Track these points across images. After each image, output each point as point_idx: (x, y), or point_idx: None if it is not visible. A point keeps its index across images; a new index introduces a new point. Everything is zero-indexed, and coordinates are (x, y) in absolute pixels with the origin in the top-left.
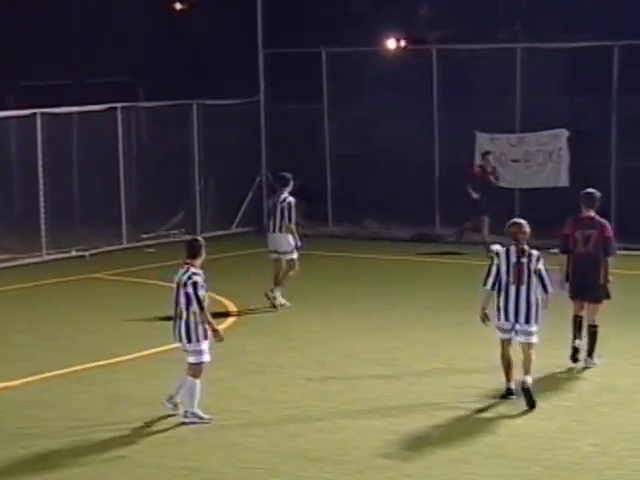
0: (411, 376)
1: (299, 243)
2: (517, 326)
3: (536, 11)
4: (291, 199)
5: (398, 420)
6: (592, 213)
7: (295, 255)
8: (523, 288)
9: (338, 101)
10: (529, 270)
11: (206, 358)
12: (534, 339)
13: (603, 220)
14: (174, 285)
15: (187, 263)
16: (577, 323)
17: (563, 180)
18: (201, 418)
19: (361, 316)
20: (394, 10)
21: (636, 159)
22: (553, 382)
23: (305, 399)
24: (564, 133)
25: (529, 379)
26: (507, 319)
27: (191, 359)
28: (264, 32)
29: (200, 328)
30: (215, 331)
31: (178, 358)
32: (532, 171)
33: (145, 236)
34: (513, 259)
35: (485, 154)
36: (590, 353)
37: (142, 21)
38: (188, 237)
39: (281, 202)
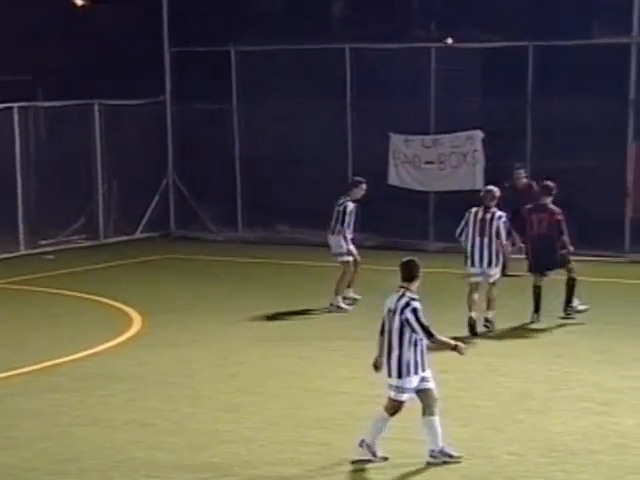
0: (325, 386)
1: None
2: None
3: (451, 11)
4: (348, 204)
5: (310, 432)
6: (547, 201)
7: (348, 258)
8: (485, 240)
9: (248, 101)
10: (490, 226)
11: (406, 397)
12: (494, 279)
13: (554, 206)
14: (384, 312)
15: (402, 287)
16: (536, 293)
17: (478, 182)
18: (451, 456)
19: (268, 325)
20: (307, 8)
21: (551, 160)
22: (472, 389)
23: (212, 411)
24: (479, 135)
25: (491, 314)
26: (473, 265)
27: (392, 394)
28: (170, 30)
29: (412, 362)
30: (455, 347)
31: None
32: (446, 173)
33: (44, 242)
34: (479, 216)
35: (517, 169)
36: (568, 302)
37: (42, 17)
38: (89, 242)
39: (339, 205)
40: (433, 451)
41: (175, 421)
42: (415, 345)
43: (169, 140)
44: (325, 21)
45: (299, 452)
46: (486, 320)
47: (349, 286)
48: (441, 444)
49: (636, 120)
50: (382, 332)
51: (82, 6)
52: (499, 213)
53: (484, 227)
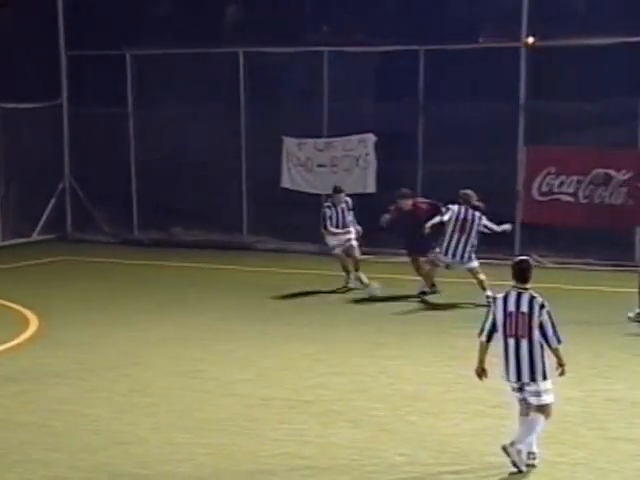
0: (219, 388)
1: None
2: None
3: (343, 13)
4: (325, 210)
5: (204, 433)
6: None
7: (336, 251)
8: (464, 237)
9: (143, 104)
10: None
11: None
12: (474, 266)
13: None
14: (498, 315)
15: (520, 288)
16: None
17: (370, 186)
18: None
19: (164, 326)
20: (202, 12)
21: (441, 163)
22: (363, 391)
23: (108, 412)
24: (371, 138)
25: (489, 291)
26: (446, 255)
27: (545, 399)
28: (67, 34)
29: (543, 363)
30: (563, 365)
31: None
32: (338, 176)
33: None
34: (462, 215)
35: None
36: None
37: None
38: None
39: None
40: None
41: (72, 422)
42: (542, 347)
43: (65, 143)
44: (219, 25)
45: (194, 453)
46: (487, 297)
47: (357, 270)
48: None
49: (527, 124)
50: (490, 337)
51: None
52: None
53: (465, 225)
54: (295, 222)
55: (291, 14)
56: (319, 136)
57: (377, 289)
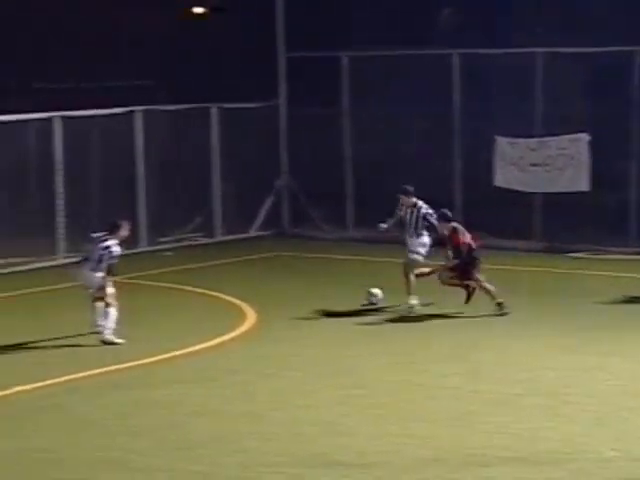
0: (431, 381)
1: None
2: None
3: (554, 14)
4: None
5: (415, 425)
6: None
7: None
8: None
9: (358, 105)
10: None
11: None
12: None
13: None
14: None
15: None
16: None
17: (584, 184)
18: None
19: (372, 322)
20: (416, 14)
21: None
22: (576, 386)
23: (323, 404)
24: (585, 137)
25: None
26: None
27: None
28: (285, 35)
29: None
30: None
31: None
32: (551, 175)
33: (163, 239)
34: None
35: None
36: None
37: (162, 24)
38: (205, 240)
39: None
40: None
41: (288, 413)
42: None
43: (282, 142)
44: (433, 27)
45: (405, 444)
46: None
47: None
48: None
49: None
50: None
51: (201, 14)
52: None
53: None
54: (508, 220)
55: (502, 16)
56: (531, 135)
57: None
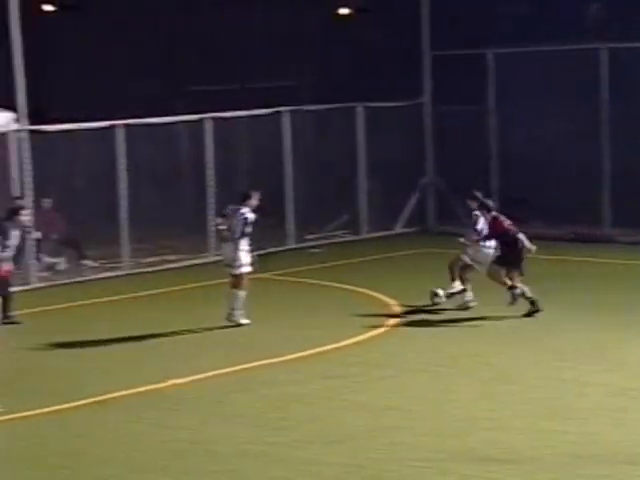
0: (579, 377)
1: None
2: None
3: None
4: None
5: (566, 421)
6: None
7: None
8: None
9: (504, 102)
10: None
11: None
12: None
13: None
14: None
15: None
16: None
17: None
18: None
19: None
20: (562, 9)
21: None
22: None
23: (471, 399)
24: None
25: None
26: None
27: None
28: (430, 34)
29: None
30: None
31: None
32: None
33: (310, 237)
34: None
35: None
36: None
37: (307, 26)
38: (351, 237)
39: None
40: None
41: (436, 408)
42: None
43: (427, 140)
44: (580, 21)
45: (557, 440)
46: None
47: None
48: None
49: None
50: None
51: (346, 15)
52: None
53: None
54: None
55: None
56: None
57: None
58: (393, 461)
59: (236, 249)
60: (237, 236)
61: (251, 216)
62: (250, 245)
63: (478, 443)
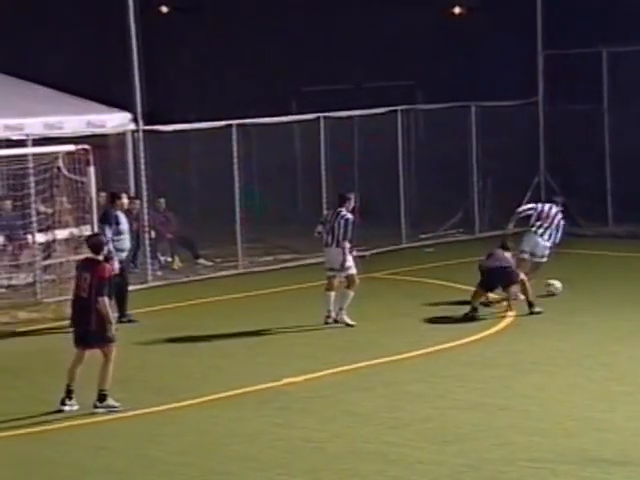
0: None
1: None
2: None
3: None
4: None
5: None
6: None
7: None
8: None
9: (619, 101)
10: None
11: None
12: None
13: None
14: None
15: None
16: None
17: None
18: None
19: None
20: None
21: None
22: None
23: (584, 400)
24: None
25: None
26: None
27: None
28: (544, 33)
29: None
30: None
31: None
32: None
33: (423, 236)
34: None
35: None
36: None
37: (420, 25)
38: (465, 236)
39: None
40: None
41: (549, 408)
42: None
43: (541, 139)
44: None
45: None
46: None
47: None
48: None
49: None
50: None
51: (459, 14)
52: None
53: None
54: None
55: None
56: None
57: None
58: (508, 462)
59: (342, 252)
60: (341, 238)
61: (349, 217)
62: (352, 245)
63: (589, 444)
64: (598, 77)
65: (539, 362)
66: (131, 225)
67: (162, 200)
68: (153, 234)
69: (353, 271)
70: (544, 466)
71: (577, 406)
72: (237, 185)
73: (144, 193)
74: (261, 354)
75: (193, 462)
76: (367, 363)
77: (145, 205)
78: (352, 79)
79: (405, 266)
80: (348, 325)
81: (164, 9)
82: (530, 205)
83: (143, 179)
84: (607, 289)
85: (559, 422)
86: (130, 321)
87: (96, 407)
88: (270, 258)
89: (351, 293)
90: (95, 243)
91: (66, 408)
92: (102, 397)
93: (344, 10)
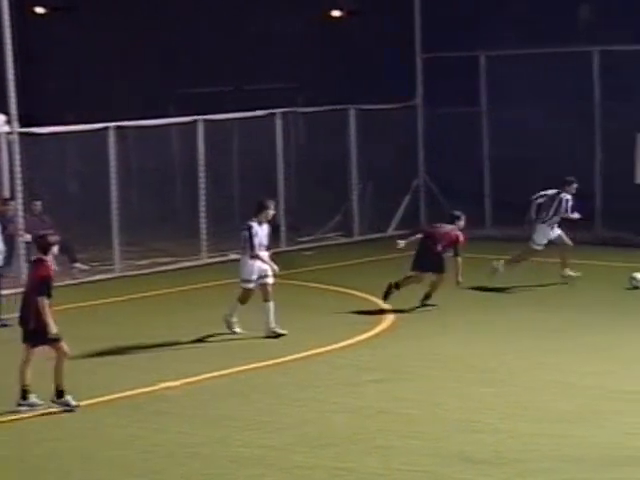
0: (566, 379)
1: None
2: None
3: None
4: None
5: (551, 425)
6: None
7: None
8: None
9: (496, 104)
10: None
11: None
12: None
13: None
14: None
15: None
16: None
17: None
18: None
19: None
20: (553, 12)
21: None
22: None
23: (459, 402)
24: None
25: None
26: None
27: None
28: (422, 37)
29: None
30: None
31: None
32: None
33: (302, 239)
34: None
35: None
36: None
37: (299, 28)
38: (344, 240)
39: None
40: None
41: (427, 411)
42: None
43: (419, 142)
44: (571, 24)
45: (540, 444)
46: None
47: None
48: None
49: None
50: None
51: (339, 17)
52: None
53: None
54: None
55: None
56: None
57: None
58: (384, 465)
59: (246, 260)
60: (247, 248)
61: (255, 226)
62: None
63: (467, 446)
64: (476, 81)
65: (417, 365)
66: (5, 228)
67: (38, 203)
68: (28, 237)
69: (267, 281)
70: (422, 469)
71: (453, 408)
72: (113, 188)
73: (19, 195)
74: (137, 358)
75: (69, 469)
76: (245, 367)
77: (20, 208)
78: (233, 81)
79: (284, 269)
80: (235, 333)
81: (40, 10)
82: (541, 193)
83: (18, 181)
84: (479, 291)
85: (437, 424)
86: (4, 325)
87: (53, 402)
88: (147, 261)
89: (269, 305)
90: (42, 244)
91: (23, 408)
92: (59, 393)
93: (225, 12)
